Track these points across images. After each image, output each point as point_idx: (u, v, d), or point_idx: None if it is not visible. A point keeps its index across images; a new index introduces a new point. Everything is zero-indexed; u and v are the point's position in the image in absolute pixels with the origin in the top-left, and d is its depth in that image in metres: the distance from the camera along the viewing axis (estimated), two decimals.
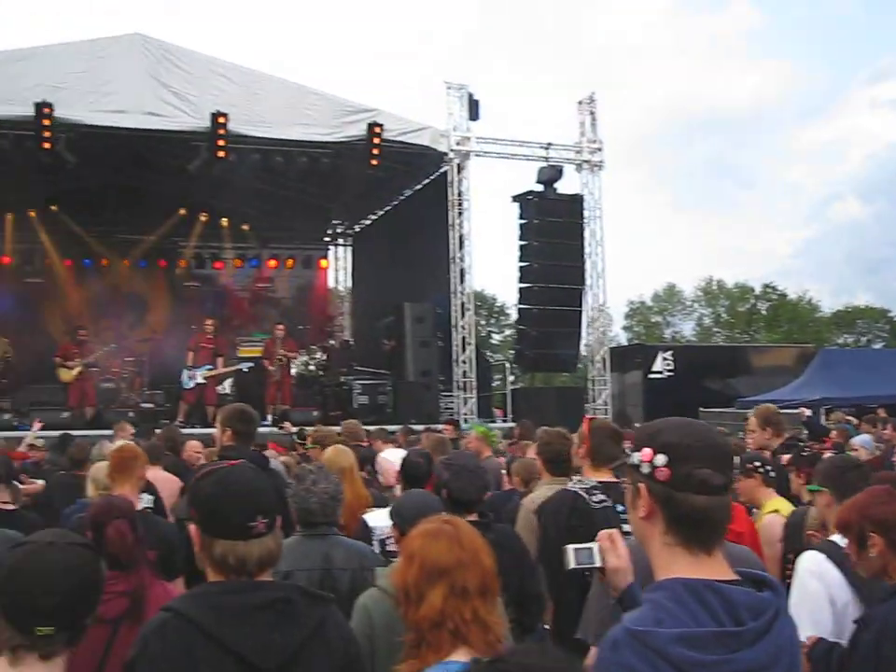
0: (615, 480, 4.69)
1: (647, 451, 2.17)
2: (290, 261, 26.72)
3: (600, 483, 4.77)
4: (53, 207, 22.94)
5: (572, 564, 2.83)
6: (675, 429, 2.19)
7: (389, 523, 5.07)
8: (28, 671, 2.40)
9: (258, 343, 20.70)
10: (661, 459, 2.13)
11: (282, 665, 2.60)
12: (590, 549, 2.83)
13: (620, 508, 4.33)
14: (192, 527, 2.73)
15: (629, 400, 25.19)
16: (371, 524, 5.51)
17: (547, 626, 4.96)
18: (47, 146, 16.62)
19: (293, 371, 20.06)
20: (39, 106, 16.23)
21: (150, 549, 4.50)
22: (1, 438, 13.49)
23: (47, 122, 16.40)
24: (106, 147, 19.65)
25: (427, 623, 2.73)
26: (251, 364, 19.97)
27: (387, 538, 5.37)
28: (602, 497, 4.70)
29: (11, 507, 5.54)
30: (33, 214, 23.21)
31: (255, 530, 2.65)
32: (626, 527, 4.24)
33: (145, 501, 6.02)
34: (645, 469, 2.16)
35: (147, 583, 3.86)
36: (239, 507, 2.67)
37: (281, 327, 19.44)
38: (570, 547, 2.84)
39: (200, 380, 18.18)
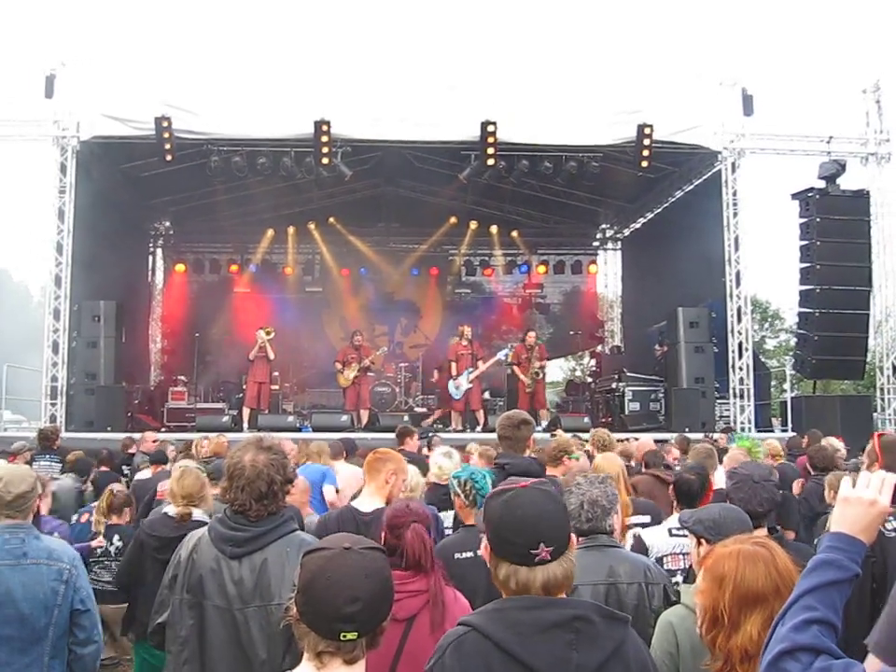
0: None
1: None
2: (559, 267, 26.65)
3: None
4: (331, 219, 23.90)
5: None
6: None
7: (668, 541, 4.82)
8: None
9: None
10: None
11: None
12: None
13: None
14: (485, 545, 2.71)
15: None
16: (647, 541, 5.29)
17: None
18: (326, 161, 17.27)
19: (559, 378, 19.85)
20: (318, 124, 16.89)
21: None
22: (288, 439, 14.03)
23: (325, 139, 17.04)
24: (380, 159, 20.29)
25: (740, 653, 2.60)
26: (507, 352, 19.98)
27: (665, 556, 5.14)
28: None
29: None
30: (312, 226, 24.26)
31: (538, 558, 2.59)
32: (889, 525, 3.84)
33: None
34: None
35: (442, 585, 3.89)
36: (523, 533, 2.61)
37: (532, 334, 19.31)
38: (889, 478, 2.43)
39: (466, 385, 18.35)
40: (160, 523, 6.13)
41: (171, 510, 6.12)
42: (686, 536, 4.30)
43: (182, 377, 21.86)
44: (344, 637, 2.38)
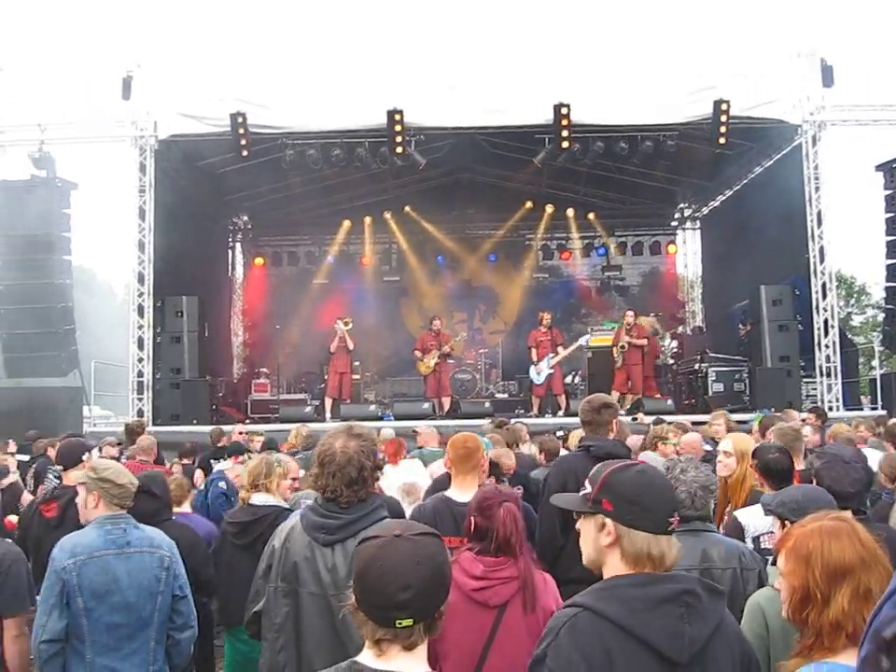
0: None
1: None
2: (637, 248, 26.39)
3: None
4: (407, 208, 23.96)
5: None
6: None
7: (764, 520, 4.74)
8: (394, 663, 2.42)
9: (608, 333, 20.48)
10: None
11: (692, 658, 2.57)
12: None
13: None
14: (603, 519, 2.72)
15: None
16: (742, 520, 5.22)
17: None
18: (399, 150, 17.31)
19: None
20: (391, 114, 16.92)
21: None
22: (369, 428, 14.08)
23: (398, 128, 17.06)
24: (454, 146, 20.27)
25: (831, 626, 2.61)
26: (588, 338, 19.87)
27: (761, 535, 5.06)
28: None
29: None
30: (388, 216, 24.35)
31: (671, 527, 2.70)
32: None
33: None
34: None
35: (532, 570, 3.89)
36: (662, 501, 2.72)
37: (631, 313, 19.12)
38: None
39: (547, 371, 18.27)
40: (238, 509, 6.27)
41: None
42: None
43: (264, 369, 22.16)
44: (400, 624, 2.40)
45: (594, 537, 2.73)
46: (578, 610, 2.60)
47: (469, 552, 3.88)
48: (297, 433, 11.20)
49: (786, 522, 3.80)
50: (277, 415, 18.51)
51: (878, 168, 18.82)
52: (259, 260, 25.73)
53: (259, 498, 6.11)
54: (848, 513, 4.09)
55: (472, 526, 3.97)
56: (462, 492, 5.21)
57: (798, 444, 6.91)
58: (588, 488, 2.77)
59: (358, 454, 3.83)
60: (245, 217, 26.25)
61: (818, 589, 2.66)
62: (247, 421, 18.52)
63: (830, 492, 4.20)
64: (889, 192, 18.55)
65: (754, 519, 5.16)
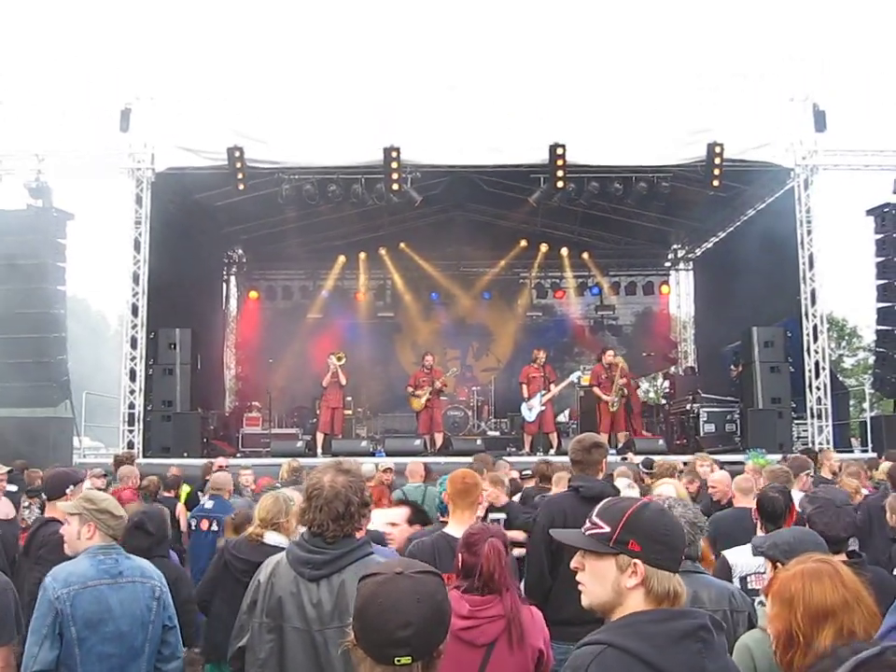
0: None
1: None
2: (631, 288, 26.49)
3: None
4: (402, 245, 24.05)
5: None
6: None
7: (752, 561, 4.76)
8: None
9: None
10: None
11: None
12: None
13: None
14: (631, 560, 2.67)
15: None
16: (730, 560, 5.25)
17: None
18: (396, 187, 17.40)
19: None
20: (388, 151, 17.04)
21: None
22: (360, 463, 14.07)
23: (395, 165, 17.17)
24: (450, 184, 20.39)
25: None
26: (579, 374, 19.89)
27: (749, 575, 5.09)
28: None
29: None
30: (383, 252, 24.45)
31: (681, 563, 2.71)
32: None
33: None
34: None
35: (519, 606, 3.88)
36: (682, 539, 2.74)
37: (610, 352, 19.09)
38: None
39: (539, 408, 18.26)
40: (244, 545, 6.11)
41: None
42: None
43: (256, 403, 22.13)
44: (399, 661, 2.38)
45: (613, 577, 2.67)
46: (603, 647, 2.57)
47: (456, 590, 3.88)
48: (288, 467, 11.19)
49: (777, 564, 3.81)
50: (269, 450, 18.48)
51: (869, 212, 18.99)
52: (253, 294, 25.79)
53: (272, 538, 5.96)
54: (841, 557, 4.13)
55: (461, 563, 3.98)
56: (461, 527, 5.22)
57: (790, 486, 6.96)
58: (605, 527, 2.71)
59: (346, 489, 3.82)
60: (241, 251, 26.33)
61: (800, 631, 2.66)
62: (238, 455, 18.49)
63: (823, 536, 4.22)
64: (879, 237, 18.70)
65: (742, 558, 5.19)
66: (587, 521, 2.79)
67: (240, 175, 17.31)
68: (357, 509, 3.84)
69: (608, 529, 2.69)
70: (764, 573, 4.78)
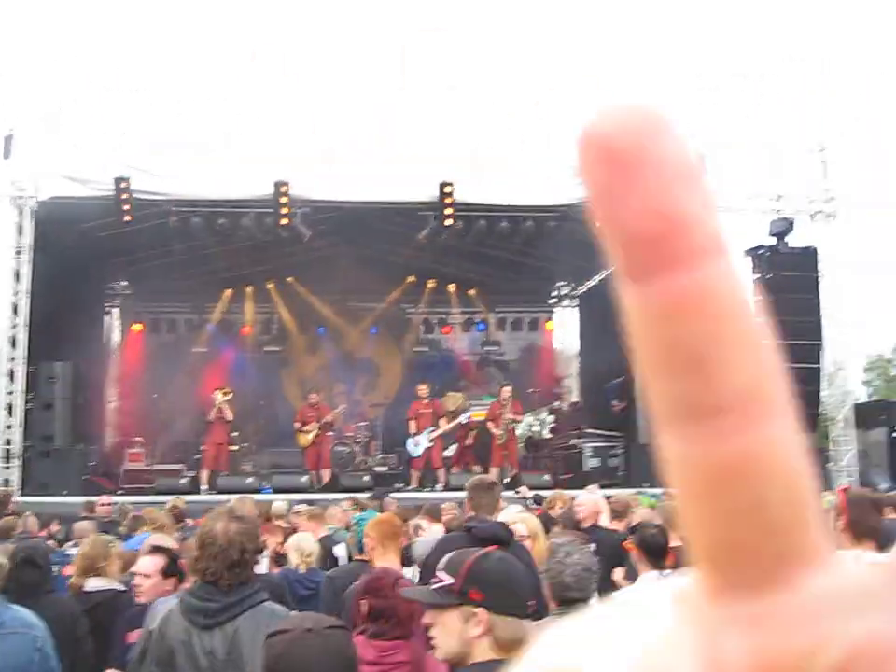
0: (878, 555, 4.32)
1: None
2: (517, 324, 26.81)
3: None
4: (290, 279, 23.92)
5: None
6: None
7: None
8: None
9: (486, 406, 20.71)
10: None
11: None
12: None
13: None
14: (472, 610, 2.69)
15: (873, 460, 23.77)
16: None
17: None
18: (285, 222, 17.35)
19: (518, 433, 19.95)
20: (277, 185, 16.99)
21: None
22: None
23: (284, 200, 17.14)
24: (339, 219, 20.40)
25: None
26: (468, 414, 20.08)
27: None
28: None
29: None
30: (271, 286, 24.27)
31: (531, 609, 2.75)
32: None
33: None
34: None
35: (424, 651, 3.88)
36: (526, 585, 2.78)
37: (507, 389, 19.35)
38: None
39: (426, 444, 18.33)
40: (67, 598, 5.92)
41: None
42: None
43: (139, 438, 21.65)
44: None
45: (459, 628, 2.69)
46: None
47: (362, 635, 3.88)
48: (173, 505, 11.02)
49: None
50: (152, 486, 18.11)
51: (746, 253, 19.64)
52: (136, 326, 25.29)
53: (93, 584, 5.85)
54: None
55: (368, 609, 3.98)
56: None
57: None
58: (448, 579, 2.74)
59: (240, 535, 3.82)
60: (125, 282, 25.82)
61: None
62: (119, 492, 18.07)
63: None
64: (755, 276, 19.33)
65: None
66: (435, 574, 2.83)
67: (126, 207, 17.02)
68: (251, 556, 3.85)
69: (450, 581, 2.72)
70: None
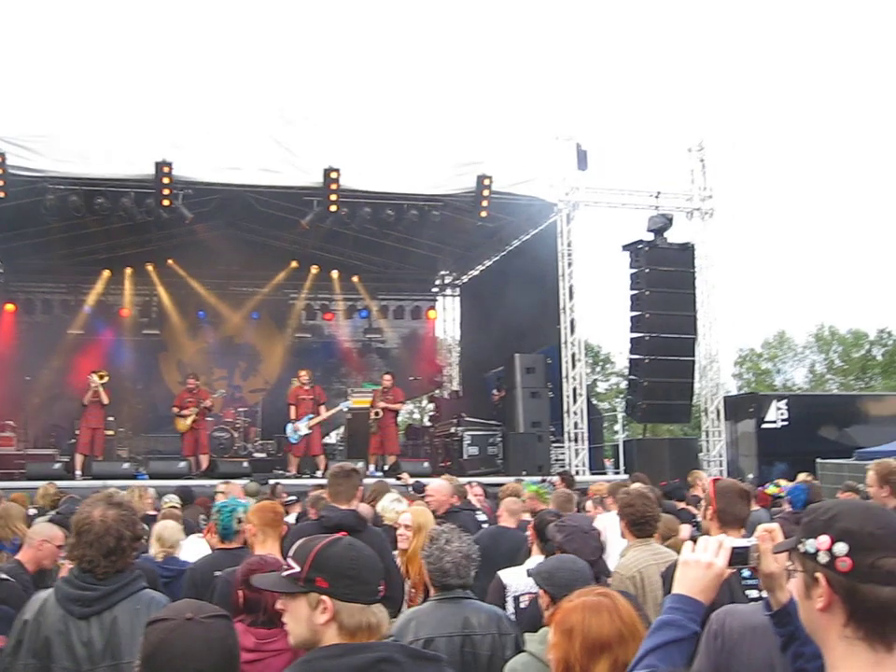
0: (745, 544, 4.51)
1: (824, 539, 2.00)
2: (398, 312, 26.88)
3: None
4: (170, 261, 23.55)
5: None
6: (852, 515, 2.02)
7: (525, 581, 5.01)
8: None
9: (368, 394, 20.75)
10: (841, 548, 1.96)
11: None
12: (746, 548, 2.60)
13: (745, 573, 4.14)
14: (318, 597, 2.71)
15: (742, 451, 24.64)
16: (504, 580, 5.48)
17: None
18: (166, 203, 17.06)
19: (398, 421, 20.05)
20: (159, 165, 16.67)
21: None
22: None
23: (166, 181, 16.83)
24: (222, 202, 20.15)
25: None
26: (349, 404, 20.10)
27: (521, 595, 5.32)
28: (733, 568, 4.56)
29: None
30: (150, 268, 23.85)
31: (380, 594, 2.75)
32: (751, 594, 4.09)
33: None
34: (822, 557, 1.99)
35: None
36: (373, 571, 2.76)
37: (388, 377, 19.42)
38: (727, 542, 2.59)
39: (304, 431, 18.25)
40: None
41: None
42: None
43: (10, 422, 21.01)
44: None
45: (307, 615, 2.72)
46: None
47: (241, 623, 3.88)
48: (44, 491, 10.81)
49: (545, 590, 4.05)
50: (23, 471, 17.64)
51: (625, 248, 20.08)
52: (9, 307, 24.48)
53: None
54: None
55: (242, 599, 3.98)
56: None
57: (570, 506, 7.38)
58: (296, 567, 2.77)
59: (118, 522, 3.79)
60: None
61: (577, 662, 2.80)
62: None
63: None
64: (633, 271, 19.78)
65: (516, 579, 5.44)
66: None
67: (0, 183, 16.51)
68: (128, 543, 3.80)
69: (297, 569, 2.77)
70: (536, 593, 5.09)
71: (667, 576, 4.89)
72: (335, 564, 2.73)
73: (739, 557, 2.57)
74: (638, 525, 5.74)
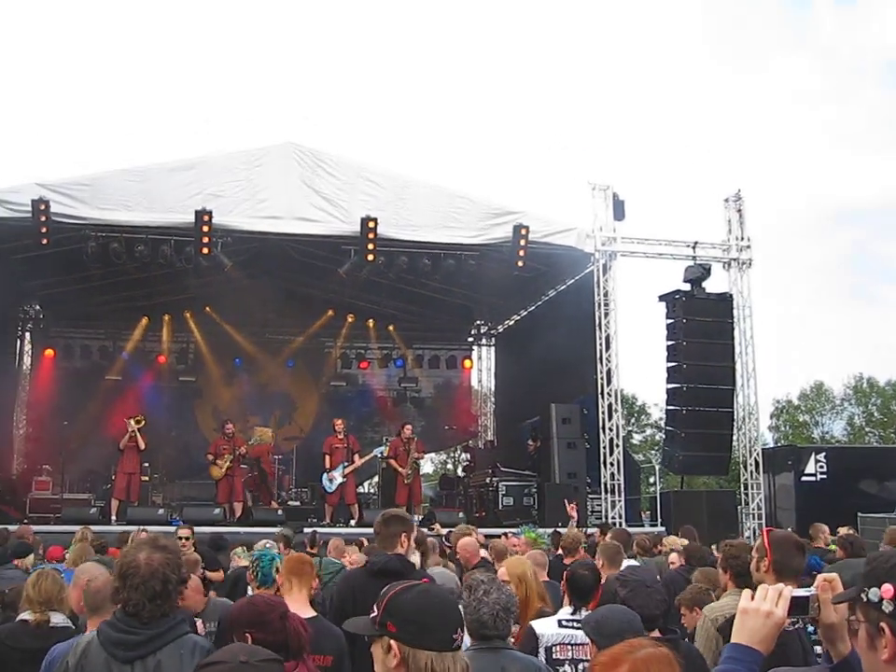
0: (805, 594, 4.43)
1: (888, 587, 1.97)
2: (434, 361, 26.88)
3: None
4: (207, 308, 23.71)
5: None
6: None
7: (557, 631, 4.94)
8: None
9: None
10: None
11: None
12: (806, 597, 2.53)
13: (810, 629, 4.06)
14: (389, 641, 2.72)
15: (780, 504, 24.28)
16: (538, 630, 5.41)
17: None
18: (206, 251, 17.23)
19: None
20: (199, 214, 16.87)
21: (327, 654, 4.85)
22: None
23: (206, 229, 17.01)
24: (260, 250, 20.33)
25: None
26: (382, 450, 20.07)
27: (554, 645, 5.26)
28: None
29: None
30: (188, 315, 24.03)
31: (456, 643, 2.72)
32: (818, 649, 4.00)
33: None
34: (887, 606, 1.96)
35: None
36: (444, 619, 2.74)
37: (409, 427, 19.40)
38: (786, 591, 2.53)
39: (340, 479, 18.25)
40: (20, 632, 5.58)
41: (28, 616, 5.59)
42: (574, 627, 4.43)
43: (47, 466, 21.18)
44: None
45: (381, 658, 2.74)
46: None
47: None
48: (81, 535, 10.82)
49: (592, 640, 3.99)
50: (59, 516, 17.72)
51: (661, 298, 20.01)
52: (49, 352, 24.75)
53: (58, 619, 5.55)
54: (655, 633, 4.36)
55: (251, 641, 3.91)
56: (301, 606, 5.23)
57: (619, 558, 7.31)
58: (375, 611, 2.80)
59: (163, 566, 3.77)
60: (38, 306, 25.31)
61: None
62: (25, 521, 17.65)
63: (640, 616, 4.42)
64: (670, 321, 19.69)
65: (548, 629, 5.38)
66: None
67: (44, 230, 16.72)
68: (174, 587, 3.79)
69: (376, 613, 2.79)
70: (569, 644, 4.99)
71: (724, 629, 4.82)
72: (404, 609, 2.74)
73: (799, 607, 2.51)
74: (743, 577, 5.65)
